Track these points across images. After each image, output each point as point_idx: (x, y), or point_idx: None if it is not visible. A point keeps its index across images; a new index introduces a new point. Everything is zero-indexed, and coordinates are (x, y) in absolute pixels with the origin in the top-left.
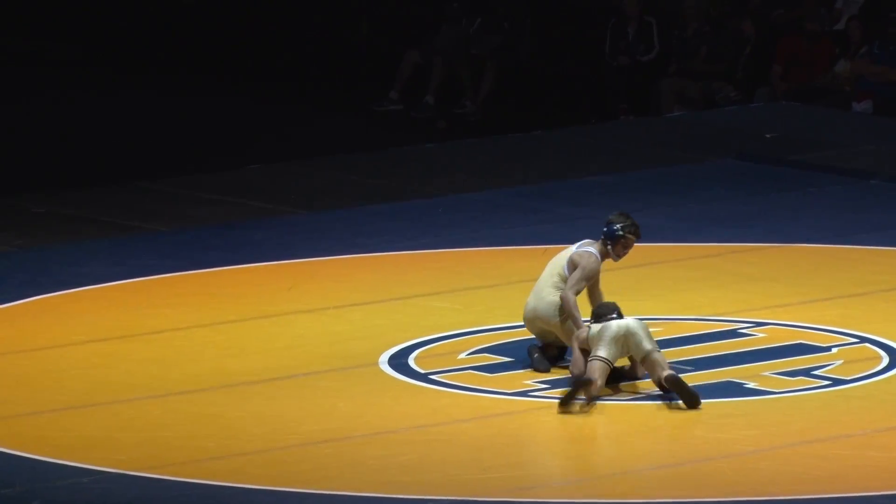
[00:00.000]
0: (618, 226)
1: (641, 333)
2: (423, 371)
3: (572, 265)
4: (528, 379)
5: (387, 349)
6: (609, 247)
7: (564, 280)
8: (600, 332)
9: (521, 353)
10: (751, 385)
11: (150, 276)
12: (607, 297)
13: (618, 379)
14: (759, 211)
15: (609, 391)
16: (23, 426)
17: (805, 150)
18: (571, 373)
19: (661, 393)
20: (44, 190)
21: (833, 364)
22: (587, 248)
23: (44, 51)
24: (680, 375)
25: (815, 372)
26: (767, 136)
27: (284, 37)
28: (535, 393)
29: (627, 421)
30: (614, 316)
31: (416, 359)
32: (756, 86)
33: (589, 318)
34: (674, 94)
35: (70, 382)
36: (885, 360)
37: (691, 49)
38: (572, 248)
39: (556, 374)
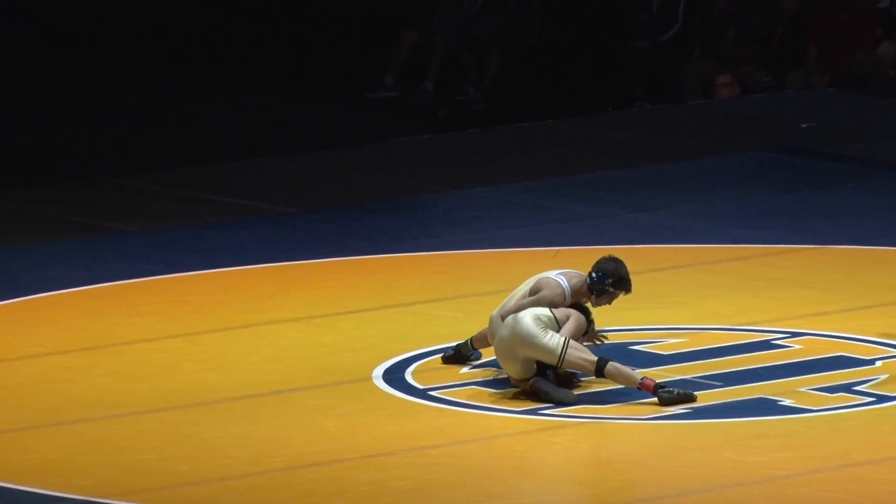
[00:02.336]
0: (609, 281)
1: None
2: (421, 386)
3: (535, 289)
4: None
5: (381, 362)
6: (592, 295)
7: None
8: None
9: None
10: (785, 402)
11: (120, 281)
12: (629, 303)
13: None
14: (793, 209)
15: (626, 410)
16: None
17: (844, 142)
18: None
19: (686, 410)
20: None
21: (877, 379)
22: (559, 278)
23: None
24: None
25: (857, 388)
26: (802, 125)
27: (268, 19)
28: (545, 411)
29: (648, 442)
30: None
31: (413, 373)
32: (789, 70)
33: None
34: (698, 80)
35: (30, 399)
36: None
37: (718, 30)
38: (550, 273)
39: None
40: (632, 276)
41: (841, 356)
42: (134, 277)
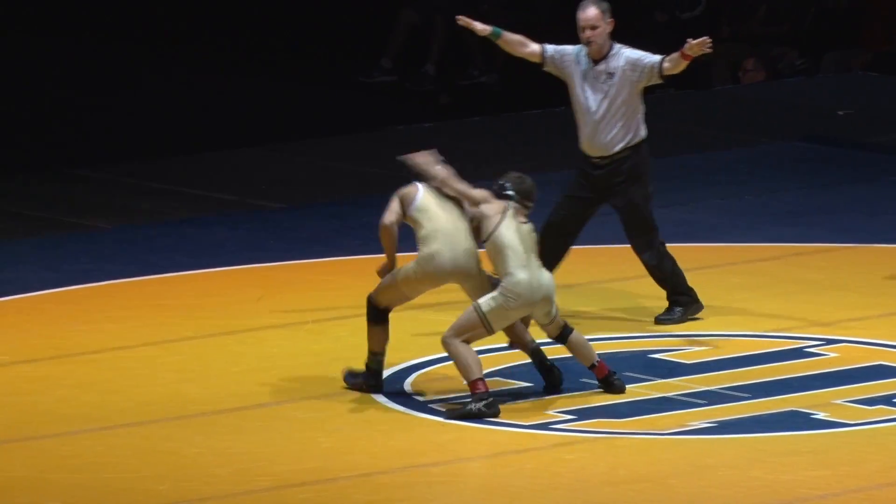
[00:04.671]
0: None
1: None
2: (421, 398)
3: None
4: (550, 409)
5: None
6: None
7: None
8: (513, 281)
9: (540, 377)
10: (820, 416)
11: (89, 283)
12: (649, 308)
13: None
14: (829, 205)
15: (645, 424)
16: None
17: (884, 131)
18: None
19: (712, 425)
20: None
21: None
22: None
23: None
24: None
25: None
26: (839, 113)
27: None
28: (559, 425)
29: (670, 459)
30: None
31: (413, 384)
32: (824, 51)
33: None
34: (726, 63)
35: None
36: None
37: (747, 8)
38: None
39: (584, 403)
40: (652, 279)
41: (880, 365)
42: (105, 279)
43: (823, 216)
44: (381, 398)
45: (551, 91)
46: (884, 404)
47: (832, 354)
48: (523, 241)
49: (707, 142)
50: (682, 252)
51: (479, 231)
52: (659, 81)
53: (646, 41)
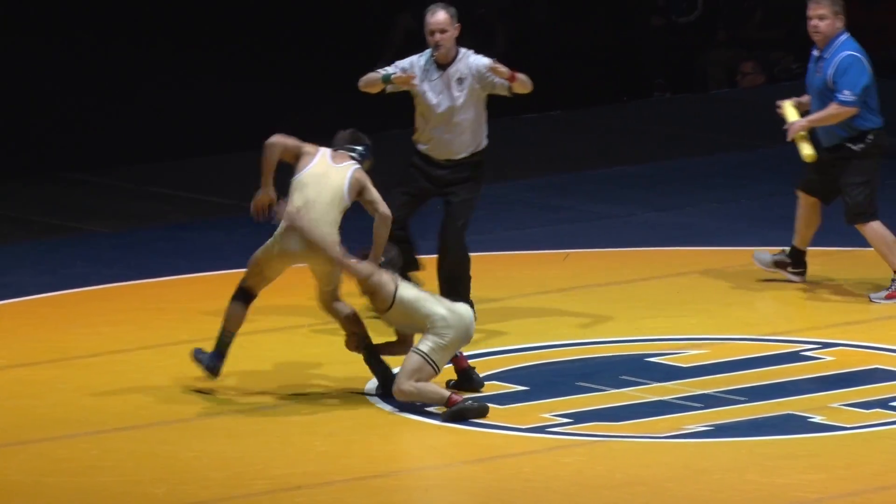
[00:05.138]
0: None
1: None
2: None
3: (358, 187)
4: (547, 412)
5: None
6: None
7: (342, 208)
8: (438, 319)
9: (537, 380)
10: (816, 419)
11: (87, 287)
12: (646, 312)
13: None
14: (825, 209)
15: (643, 427)
16: None
17: None
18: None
19: (709, 428)
20: None
21: None
22: (352, 163)
23: None
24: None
25: (894, 403)
26: None
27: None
28: (556, 429)
29: (667, 463)
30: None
31: None
32: None
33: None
34: (723, 67)
35: None
36: None
37: (743, 12)
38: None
39: (580, 406)
40: (650, 282)
41: (876, 369)
42: (102, 283)
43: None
44: (376, 401)
45: (548, 95)
46: (880, 408)
47: (828, 358)
48: (422, 293)
49: (703, 146)
50: (679, 256)
51: (377, 299)
52: (506, 94)
53: (643, 46)
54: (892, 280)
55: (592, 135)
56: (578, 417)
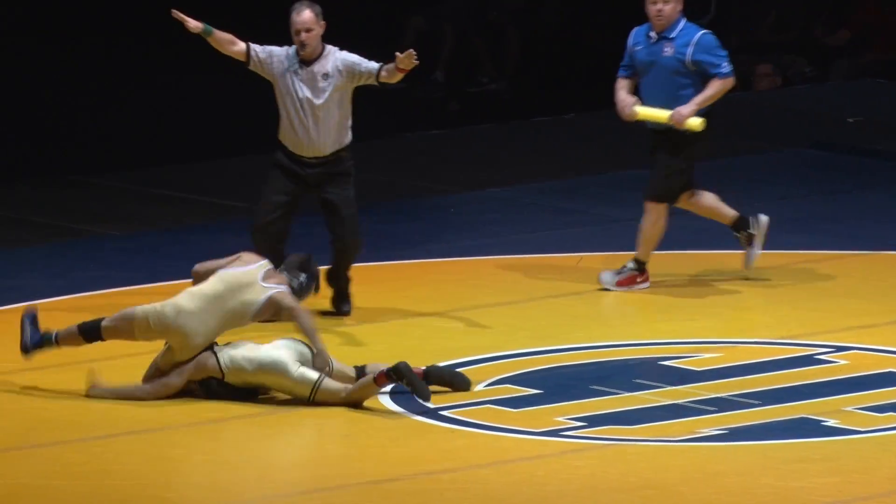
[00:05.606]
0: (315, 284)
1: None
2: (431, 406)
3: (271, 309)
4: (560, 416)
5: None
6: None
7: (244, 321)
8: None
9: (551, 383)
10: (830, 423)
11: (97, 290)
12: (660, 315)
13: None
14: (839, 212)
15: (655, 431)
16: None
17: (894, 138)
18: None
19: (722, 432)
20: None
21: None
22: (280, 286)
23: None
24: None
25: None
26: (849, 120)
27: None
28: (569, 432)
29: (680, 466)
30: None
31: None
32: (834, 59)
33: None
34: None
35: (1, 420)
36: None
37: (755, 16)
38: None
39: (594, 410)
40: (663, 285)
41: (890, 372)
42: (113, 286)
43: (833, 223)
44: (390, 405)
45: (561, 98)
46: (894, 411)
47: (842, 361)
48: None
49: (716, 149)
50: (692, 259)
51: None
52: (374, 83)
53: None
54: (626, 267)
55: (605, 137)
56: (592, 421)
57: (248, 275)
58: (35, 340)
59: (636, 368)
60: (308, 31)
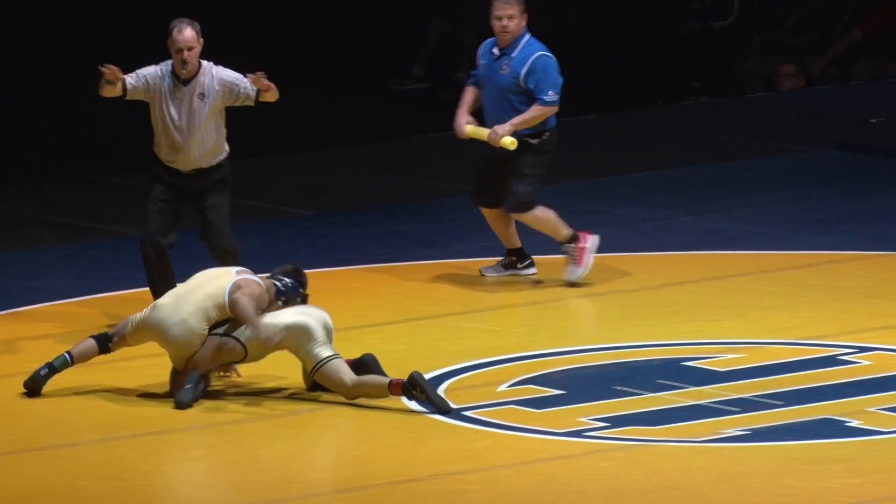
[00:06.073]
0: (302, 290)
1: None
2: (454, 406)
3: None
4: (583, 416)
5: None
6: (278, 301)
7: (221, 311)
8: (302, 328)
9: (574, 384)
10: (853, 423)
11: (118, 291)
12: (682, 316)
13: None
14: (862, 212)
15: (678, 432)
16: None
17: None
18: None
19: (745, 432)
20: None
21: None
22: (250, 274)
23: None
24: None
25: None
26: (872, 121)
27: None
28: (592, 433)
29: (703, 467)
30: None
31: (445, 391)
32: (856, 60)
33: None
34: (759, 70)
35: (22, 419)
36: None
37: (777, 17)
38: (232, 272)
39: (617, 410)
40: (686, 286)
41: None
42: (134, 287)
43: (856, 224)
44: (412, 405)
45: (583, 99)
46: None
47: (866, 362)
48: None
49: (740, 150)
50: (715, 260)
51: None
52: (251, 104)
53: (678, 50)
54: (565, 245)
55: (627, 139)
56: (615, 421)
57: (225, 270)
58: (42, 376)
59: (659, 369)
60: (190, 49)
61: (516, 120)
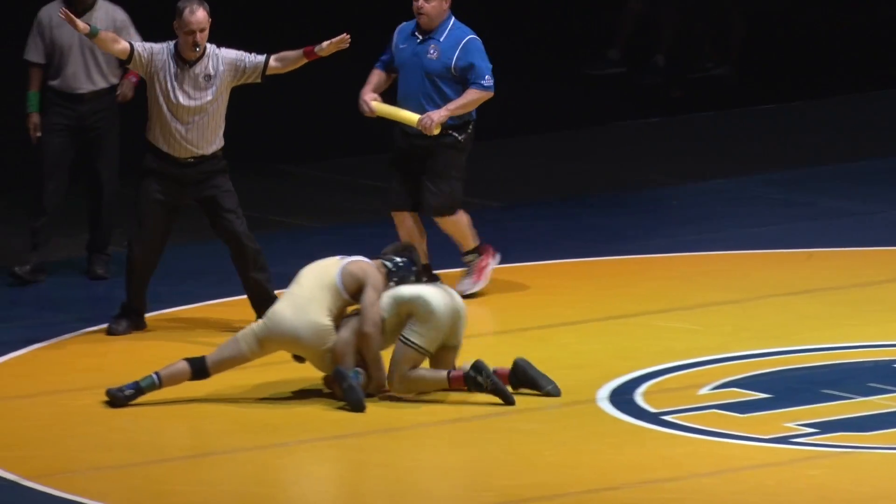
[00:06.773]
0: (414, 269)
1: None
2: (653, 410)
3: (352, 280)
4: (790, 421)
5: (606, 381)
6: (391, 283)
7: (339, 299)
8: (413, 302)
9: (780, 387)
10: None
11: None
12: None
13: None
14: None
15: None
16: (139, 478)
17: None
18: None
19: None
20: None
21: None
22: (359, 257)
23: None
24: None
25: None
26: None
27: None
28: (799, 439)
29: None
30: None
31: (644, 394)
32: None
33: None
34: None
35: (203, 422)
36: None
37: None
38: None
39: (826, 415)
40: (834, 292)
41: None
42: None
43: None
44: (609, 409)
45: (788, 85)
46: None
47: None
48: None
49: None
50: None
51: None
52: (258, 81)
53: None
54: (469, 256)
55: (834, 127)
56: (824, 427)
57: (331, 260)
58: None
59: (870, 371)
60: (202, 30)
61: (452, 105)
